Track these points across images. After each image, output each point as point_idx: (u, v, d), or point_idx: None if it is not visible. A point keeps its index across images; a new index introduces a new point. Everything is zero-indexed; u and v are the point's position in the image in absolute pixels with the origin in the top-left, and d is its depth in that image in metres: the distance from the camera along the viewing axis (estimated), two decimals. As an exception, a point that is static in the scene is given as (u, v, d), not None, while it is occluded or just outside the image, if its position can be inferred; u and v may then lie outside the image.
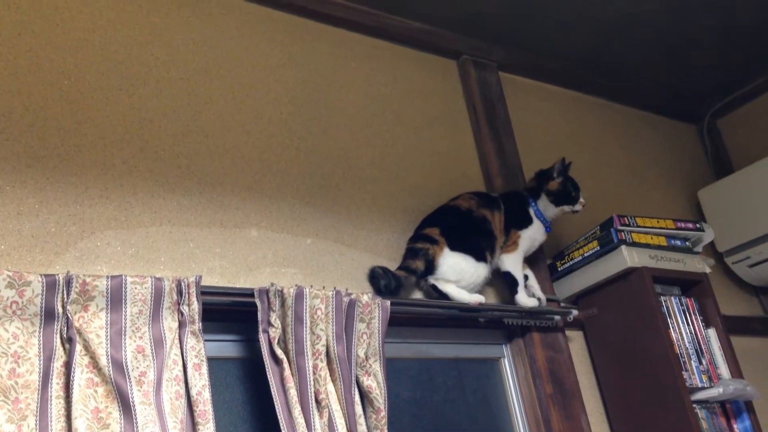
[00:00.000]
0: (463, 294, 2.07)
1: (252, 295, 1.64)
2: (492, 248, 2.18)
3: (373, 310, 1.79)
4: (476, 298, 2.09)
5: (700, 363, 2.34)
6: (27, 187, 1.62)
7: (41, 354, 1.32)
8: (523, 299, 2.21)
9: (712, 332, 2.43)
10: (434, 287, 2.08)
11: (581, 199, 2.34)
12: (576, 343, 2.44)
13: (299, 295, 1.63)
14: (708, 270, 2.53)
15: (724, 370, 2.38)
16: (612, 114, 3.21)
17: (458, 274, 2.07)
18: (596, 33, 2.82)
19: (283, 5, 2.30)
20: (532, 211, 2.29)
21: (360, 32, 2.49)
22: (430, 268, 2.06)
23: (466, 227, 2.15)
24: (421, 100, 2.55)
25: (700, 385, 2.28)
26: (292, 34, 2.31)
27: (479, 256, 2.11)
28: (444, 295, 2.07)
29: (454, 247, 2.08)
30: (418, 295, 2.13)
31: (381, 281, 1.96)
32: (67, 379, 1.33)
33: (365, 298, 1.77)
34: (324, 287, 1.74)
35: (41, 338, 1.33)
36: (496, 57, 2.78)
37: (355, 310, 1.74)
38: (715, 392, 2.26)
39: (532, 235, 2.28)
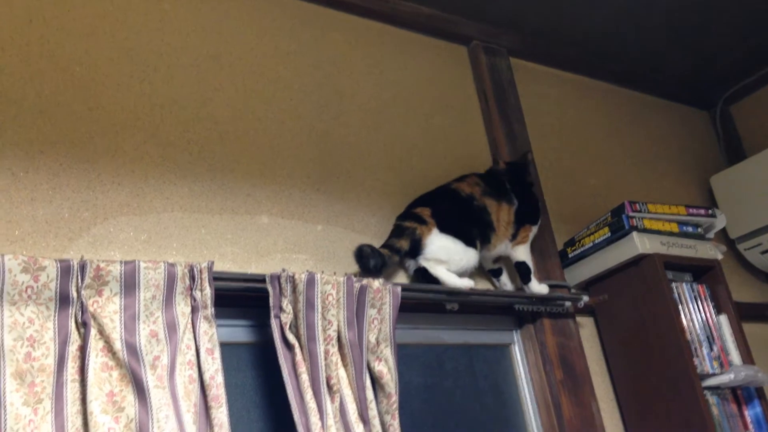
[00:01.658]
0: (453, 278, 2.01)
1: (264, 280, 1.65)
2: (485, 237, 2.12)
3: (384, 295, 1.79)
4: (467, 283, 2.03)
5: (711, 349, 2.33)
6: (40, 173, 1.63)
7: (56, 338, 1.34)
8: (536, 287, 2.22)
9: (723, 319, 2.43)
10: (424, 270, 2.01)
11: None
12: (587, 330, 2.44)
13: (310, 281, 1.64)
14: (720, 256, 2.52)
15: (735, 356, 2.37)
16: (623, 100, 3.19)
17: (447, 256, 2.01)
18: (607, 18, 2.80)
19: (293, -9, 2.30)
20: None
21: (370, 18, 2.48)
22: (416, 248, 2.00)
23: (460, 212, 2.09)
24: (431, 86, 2.54)
25: (711, 371, 2.28)
26: (303, 20, 2.30)
27: (469, 242, 2.06)
28: (433, 279, 2.01)
29: (443, 229, 2.02)
30: (402, 277, 2.09)
31: (370, 260, 1.90)
32: (82, 363, 1.35)
33: (376, 284, 1.78)
34: (335, 273, 1.75)
35: (56, 322, 1.34)
36: (506, 43, 2.77)
37: (366, 295, 1.74)
38: (726, 378, 2.25)
39: (536, 231, 2.31)
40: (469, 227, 2.09)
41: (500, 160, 2.33)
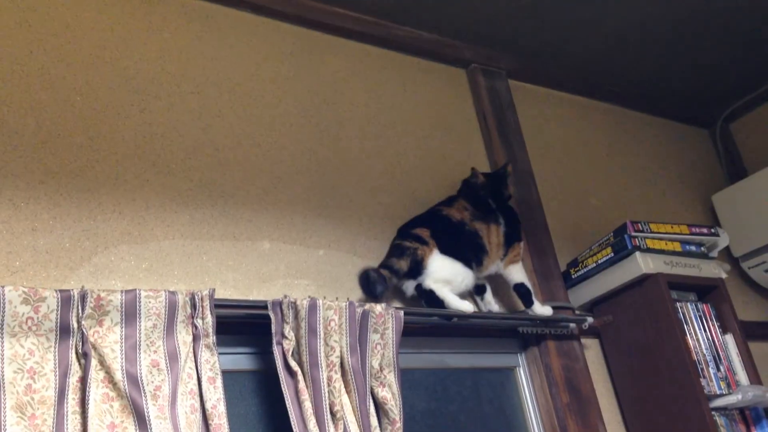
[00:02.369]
0: (457, 300, 1.99)
1: (265, 307, 1.64)
2: (478, 260, 2.10)
3: (387, 320, 1.78)
4: (469, 306, 2.01)
5: (718, 369, 2.31)
6: (41, 203, 1.63)
7: (57, 369, 1.33)
8: (540, 309, 2.20)
9: (729, 338, 2.41)
10: (429, 292, 1.98)
11: None
12: (592, 351, 2.42)
13: (312, 307, 1.63)
14: (724, 275, 2.51)
15: (742, 376, 2.35)
16: (623, 120, 3.20)
17: (451, 276, 2.01)
18: (606, 39, 2.81)
19: (292, 18, 2.31)
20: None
21: (369, 43, 2.49)
22: (417, 269, 1.98)
23: (455, 236, 2.08)
24: (431, 109, 2.55)
25: (718, 391, 2.26)
26: (302, 46, 2.32)
27: (466, 263, 2.06)
28: (435, 301, 1.98)
29: (443, 251, 2.01)
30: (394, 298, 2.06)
31: (377, 287, 1.89)
32: (82, 395, 1.34)
33: (379, 308, 1.77)
34: (337, 298, 1.74)
35: (57, 354, 1.34)
36: (505, 65, 2.78)
37: (368, 321, 1.73)
38: (733, 399, 2.23)
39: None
40: (465, 250, 2.08)
41: (479, 172, 2.24)
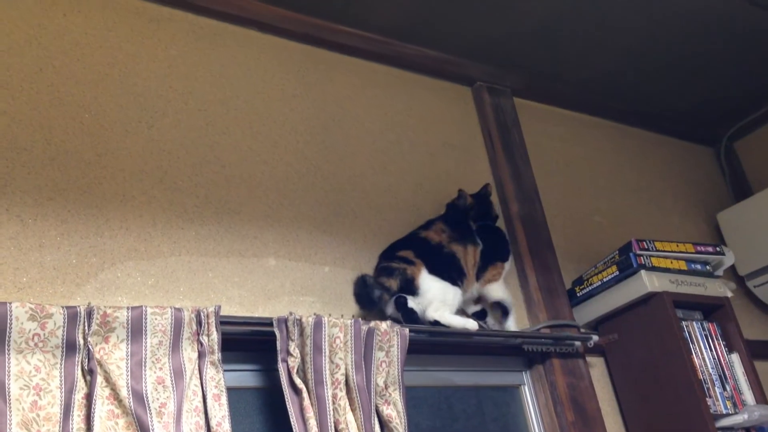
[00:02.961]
0: (460, 319, 1.98)
1: (271, 324, 1.64)
2: (462, 280, 2.09)
3: (392, 338, 1.78)
4: (473, 324, 1.99)
5: (724, 389, 2.30)
6: (49, 219, 1.64)
7: (63, 386, 1.33)
8: (512, 325, 2.19)
9: (735, 357, 2.40)
10: (435, 322, 1.95)
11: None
12: (597, 370, 2.41)
13: (318, 324, 1.63)
14: (730, 294, 2.50)
15: (748, 395, 2.34)
16: (628, 138, 3.20)
17: (443, 295, 1.99)
18: (610, 58, 2.82)
19: (299, 36, 2.33)
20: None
21: (375, 61, 2.51)
22: (407, 288, 1.95)
23: (439, 257, 2.06)
24: (436, 127, 2.56)
25: (724, 411, 2.24)
26: (308, 64, 2.33)
27: (453, 282, 2.04)
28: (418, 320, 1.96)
29: (431, 270, 2.00)
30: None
31: (374, 291, 1.88)
32: (88, 411, 1.33)
33: (384, 326, 1.77)
34: (342, 315, 1.74)
35: (63, 370, 1.34)
36: (510, 83, 2.80)
37: (373, 338, 1.73)
38: (740, 419, 2.22)
39: (509, 270, 2.24)
40: (450, 270, 2.06)
41: (467, 194, 2.24)
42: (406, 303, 1.94)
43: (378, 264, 2.06)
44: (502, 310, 2.21)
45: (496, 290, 2.19)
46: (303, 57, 2.33)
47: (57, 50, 1.85)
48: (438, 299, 1.98)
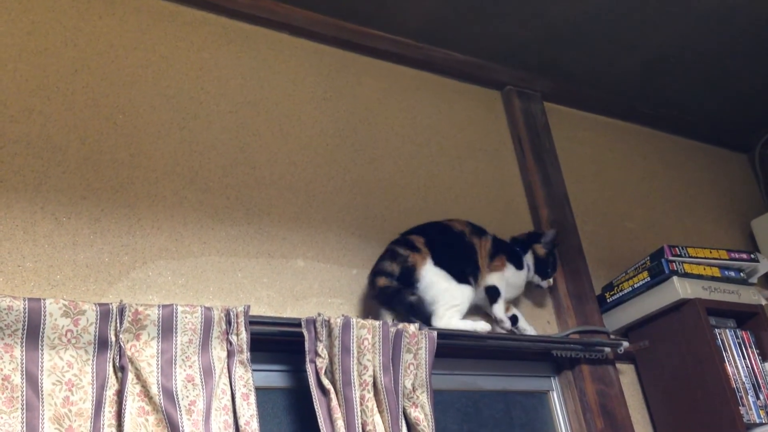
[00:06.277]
0: (468, 323, 1.94)
1: (299, 325, 1.65)
2: (475, 276, 2.05)
3: (420, 340, 1.77)
4: (483, 326, 1.96)
5: (758, 398, 2.26)
6: (82, 218, 1.67)
7: (94, 382, 1.34)
8: (499, 312, 2.10)
9: (769, 366, 2.36)
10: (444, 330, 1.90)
11: (551, 279, 2.26)
12: (627, 377, 2.38)
13: (346, 325, 1.63)
14: (764, 302, 2.46)
15: (783, 406, 2.29)
16: (659, 143, 3.17)
17: (451, 299, 1.93)
18: (641, 62, 2.79)
19: (330, 40, 2.34)
20: (521, 256, 2.22)
21: (405, 64, 2.51)
22: (409, 278, 1.90)
23: (454, 247, 2.02)
24: (465, 131, 2.55)
25: (758, 420, 2.20)
26: (339, 67, 2.34)
27: (461, 279, 1.97)
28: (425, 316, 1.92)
29: (437, 262, 1.94)
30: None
31: (389, 261, 1.89)
32: (119, 408, 1.35)
33: (412, 328, 1.76)
34: (370, 317, 1.74)
35: (95, 366, 1.35)
36: (540, 87, 2.78)
37: (401, 340, 1.73)
38: (774, 429, 2.18)
39: (514, 274, 2.18)
40: (463, 264, 2.01)
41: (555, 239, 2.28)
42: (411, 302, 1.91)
43: (389, 244, 2.02)
44: (491, 294, 2.11)
45: (495, 278, 2.12)
46: (333, 60, 2.34)
47: (92, 52, 1.87)
48: (442, 303, 1.92)
